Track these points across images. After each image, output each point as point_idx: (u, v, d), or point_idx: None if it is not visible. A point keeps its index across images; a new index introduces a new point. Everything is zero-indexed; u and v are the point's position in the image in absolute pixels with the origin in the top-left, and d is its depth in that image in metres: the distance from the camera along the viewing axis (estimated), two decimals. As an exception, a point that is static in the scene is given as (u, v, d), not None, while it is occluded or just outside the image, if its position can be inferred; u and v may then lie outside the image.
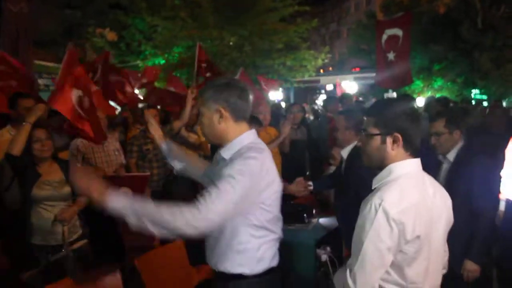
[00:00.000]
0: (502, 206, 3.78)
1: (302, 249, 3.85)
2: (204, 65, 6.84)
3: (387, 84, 9.08)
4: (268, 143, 5.26)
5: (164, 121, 7.07)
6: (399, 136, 1.89)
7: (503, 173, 3.74)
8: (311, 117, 11.36)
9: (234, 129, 2.24)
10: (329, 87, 27.64)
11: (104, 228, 4.06)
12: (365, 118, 2.04)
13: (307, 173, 6.24)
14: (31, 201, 3.50)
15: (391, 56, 8.19)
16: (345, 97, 9.14)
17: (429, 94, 20.49)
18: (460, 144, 3.41)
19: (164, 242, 3.88)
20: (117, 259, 4.46)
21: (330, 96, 9.70)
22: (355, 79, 23.35)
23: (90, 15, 18.97)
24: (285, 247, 3.91)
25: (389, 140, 1.90)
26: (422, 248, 1.84)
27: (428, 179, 1.99)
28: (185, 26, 15.91)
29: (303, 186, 4.15)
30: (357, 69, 26.33)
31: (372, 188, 1.94)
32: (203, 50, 7.41)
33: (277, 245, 2.37)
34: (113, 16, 18.47)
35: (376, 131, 1.94)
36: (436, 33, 19.18)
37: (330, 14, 49.09)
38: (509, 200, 3.77)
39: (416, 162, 1.95)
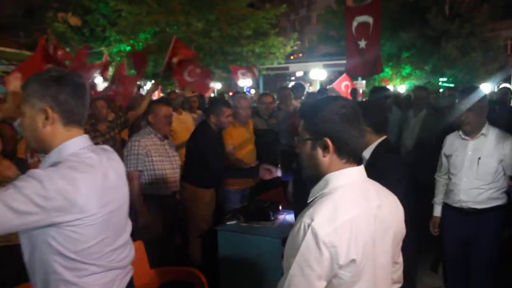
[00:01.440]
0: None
1: (267, 248, 3.70)
2: (175, 60, 6.34)
3: (357, 72, 8.97)
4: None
5: (125, 110, 6.80)
6: (328, 141, 1.65)
7: None
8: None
9: (62, 135, 1.81)
10: (299, 74, 27.57)
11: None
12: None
13: (278, 165, 6.03)
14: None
15: (362, 44, 8.05)
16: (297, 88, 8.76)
17: (397, 81, 20.66)
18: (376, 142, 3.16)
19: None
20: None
21: (297, 83, 9.43)
22: (324, 66, 23.26)
23: (52, -2, 18.33)
24: (252, 246, 3.85)
25: (319, 146, 1.67)
26: (361, 271, 1.60)
27: (374, 189, 1.74)
28: (150, 11, 15.50)
29: (267, 170, 4.26)
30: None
31: (308, 201, 1.69)
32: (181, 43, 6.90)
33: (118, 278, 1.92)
34: (76, 0, 17.84)
35: (306, 135, 1.71)
36: (404, 20, 19.26)
37: (300, -1, 48.87)
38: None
39: (357, 171, 1.70)
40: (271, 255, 3.67)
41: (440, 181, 4.01)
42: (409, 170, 3.21)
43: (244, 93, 15.46)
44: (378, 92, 6.36)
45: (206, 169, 4.42)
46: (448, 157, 3.89)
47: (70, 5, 18.30)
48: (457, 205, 3.79)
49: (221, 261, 3.93)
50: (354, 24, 8.50)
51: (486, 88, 14.25)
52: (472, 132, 3.68)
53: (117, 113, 6.26)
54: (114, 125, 5.51)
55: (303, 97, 8.21)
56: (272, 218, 4.06)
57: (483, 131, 3.67)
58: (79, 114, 1.84)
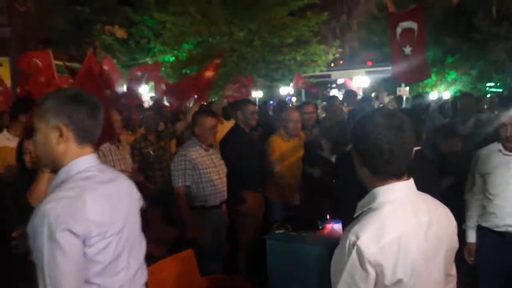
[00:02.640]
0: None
1: (315, 256, 3.72)
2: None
3: (404, 78, 8.86)
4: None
5: (173, 121, 6.97)
6: (355, 156, 1.67)
7: None
8: (323, 114, 11.09)
9: (74, 153, 1.81)
10: (340, 81, 27.33)
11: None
12: None
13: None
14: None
15: (407, 50, 7.98)
16: (349, 95, 8.64)
17: (442, 87, 20.18)
18: None
19: (172, 251, 3.76)
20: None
21: (349, 90, 9.32)
22: (367, 73, 22.98)
23: (99, 11, 18.95)
24: (299, 255, 3.86)
25: (358, 161, 1.68)
26: None
27: (424, 203, 1.68)
28: (194, 22, 15.81)
29: None
30: (369, 63, 25.99)
31: (354, 216, 1.66)
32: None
33: None
34: (121, 13, 18.43)
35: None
36: (449, 25, 18.82)
37: (340, 5, 48.57)
38: None
39: (406, 186, 1.64)
40: (318, 264, 3.67)
41: (473, 202, 3.55)
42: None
43: (286, 101, 15.48)
44: (415, 99, 6.26)
45: (242, 171, 4.51)
46: (485, 175, 3.42)
47: (116, 18, 18.91)
48: (502, 229, 3.33)
49: (269, 269, 3.96)
50: (398, 30, 8.43)
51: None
52: None
53: (166, 123, 6.43)
54: (164, 135, 5.66)
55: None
56: (320, 227, 4.07)
57: None
58: (93, 133, 1.85)
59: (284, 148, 5.03)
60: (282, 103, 9.42)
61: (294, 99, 24.30)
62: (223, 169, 4.46)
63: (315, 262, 3.71)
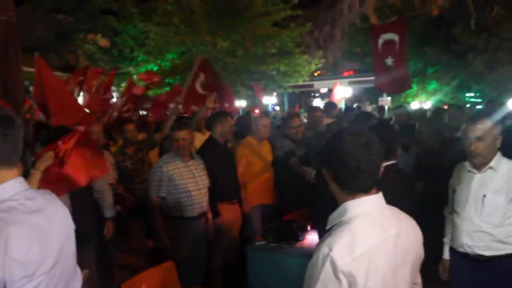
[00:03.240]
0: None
1: (296, 268, 3.71)
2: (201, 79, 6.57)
3: (387, 89, 8.99)
4: None
5: (155, 130, 6.95)
6: (325, 172, 1.76)
7: None
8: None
9: None
10: (323, 90, 27.56)
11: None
12: None
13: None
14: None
15: (389, 61, 8.11)
16: (329, 106, 8.61)
17: (423, 97, 20.47)
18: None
19: (154, 261, 3.75)
20: (107, 278, 4.32)
21: (329, 101, 9.42)
22: (349, 83, 23.25)
23: (82, 20, 18.86)
24: (281, 266, 3.87)
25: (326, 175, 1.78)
26: None
27: (393, 216, 1.76)
28: (177, 32, 15.81)
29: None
30: (351, 72, 26.27)
31: (326, 228, 1.72)
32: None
33: None
34: (105, 22, 18.36)
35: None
36: (430, 36, 19.14)
37: (324, 16, 49.07)
38: None
39: (375, 200, 1.72)
40: (300, 275, 3.66)
41: (449, 218, 3.40)
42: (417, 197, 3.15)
43: (267, 111, 15.56)
44: (396, 110, 6.33)
45: (217, 183, 4.58)
46: (453, 191, 3.29)
47: (99, 27, 18.82)
48: (461, 249, 3.16)
49: (250, 281, 3.96)
50: (380, 41, 8.56)
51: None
52: (482, 164, 3.07)
53: (148, 133, 6.42)
54: (143, 146, 5.63)
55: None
56: (301, 238, 4.09)
57: (492, 163, 3.04)
58: (7, 154, 1.60)
59: (254, 150, 5.23)
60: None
61: (277, 108, 24.36)
62: (203, 181, 4.46)
63: (295, 273, 3.71)
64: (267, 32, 16.28)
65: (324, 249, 1.58)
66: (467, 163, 3.16)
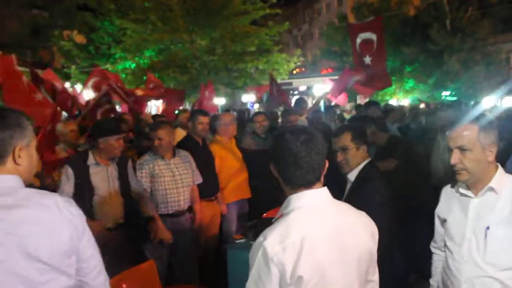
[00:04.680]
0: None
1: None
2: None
3: (366, 87, 9.06)
4: None
5: (135, 129, 6.89)
6: (272, 167, 1.86)
7: None
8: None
9: None
10: (302, 88, 27.61)
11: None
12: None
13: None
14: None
15: (367, 60, 8.18)
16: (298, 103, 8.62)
17: (401, 95, 20.74)
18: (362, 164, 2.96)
19: (136, 261, 3.70)
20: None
21: (299, 98, 9.43)
22: (328, 81, 23.30)
23: (58, 16, 18.51)
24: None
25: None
26: None
27: (337, 210, 1.81)
28: (155, 30, 15.67)
29: None
30: (330, 70, 26.39)
31: (272, 221, 1.80)
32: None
33: None
34: (81, 18, 18.09)
35: None
36: (406, 36, 19.42)
37: (302, 15, 49.19)
38: None
39: (317, 194, 1.78)
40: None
41: (437, 254, 2.58)
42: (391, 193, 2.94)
43: (248, 109, 15.53)
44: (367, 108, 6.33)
45: None
46: (443, 222, 2.43)
47: (75, 23, 18.53)
48: None
49: (230, 279, 3.95)
50: (358, 40, 8.61)
51: (490, 101, 14.22)
52: (474, 183, 2.25)
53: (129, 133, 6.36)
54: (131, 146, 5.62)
55: (306, 114, 8.19)
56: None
57: (493, 183, 2.20)
58: None
59: (225, 148, 5.23)
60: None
61: (256, 105, 24.42)
62: (183, 179, 4.43)
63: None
64: (246, 31, 16.29)
65: (260, 238, 1.68)
66: (459, 184, 2.33)
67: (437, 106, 10.35)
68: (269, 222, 4.13)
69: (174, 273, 4.19)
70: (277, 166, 1.81)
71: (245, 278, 3.87)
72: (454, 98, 19.06)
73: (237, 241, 4.04)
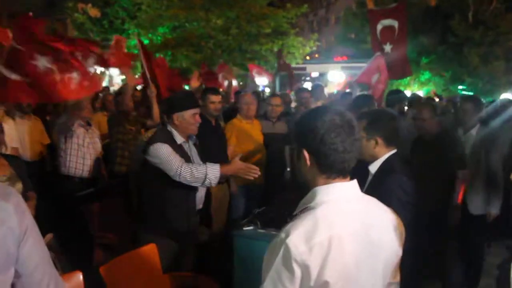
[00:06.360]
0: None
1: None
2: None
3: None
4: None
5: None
6: (305, 153, 1.60)
7: None
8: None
9: None
10: (314, 74, 27.31)
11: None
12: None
13: (288, 169, 5.87)
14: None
15: (387, 48, 7.94)
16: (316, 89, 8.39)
17: (416, 87, 20.39)
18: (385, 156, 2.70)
19: (135, 241, 3.56)
20: (86, 258, 4.13)
21: (316, 84, 9.24)
22: (342, 68, 23.00)
23: (73, -12, 18.38)
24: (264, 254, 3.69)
25: (302, 157, 1.62)
26: None
27: (366, 207, 1.63)
28: (170, 5, 15.45)
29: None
30: (344, 58, 26.06)
31: (293, 214, 1.61)
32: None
33: None
34: (97, -9, 17.91)
35: (295, 144, 1.68)
36: (426, 26, 19.01)
37: (319, 0, 48.58)
38: None
39: (347, 187, 1.60)
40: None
41: None
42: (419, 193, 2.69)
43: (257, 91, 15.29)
44: (393, 95, 6.13)
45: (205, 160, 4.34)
46: None
47: (90, -4, 18.38)
48: None
49: (236, 268, 3.79)
50: (379, 27, 8.37)
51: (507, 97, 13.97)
52: None
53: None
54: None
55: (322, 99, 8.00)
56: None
57: None
58: None
59: (243, 129, 5.11)
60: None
61: (267, 89, 24.18)
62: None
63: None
64: (263, 11, 16.00)
65: (282, 235, 1.48)
66: None
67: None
68: (278, 210, 3.99)
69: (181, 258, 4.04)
70: (313, 151, 1.57)
71: (252, 267, 3.71)
72: (470, 93, 18.73)
73: (245, 228, 3.87)
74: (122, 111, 5.40)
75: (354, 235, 1.52)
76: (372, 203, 1.68)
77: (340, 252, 1.47)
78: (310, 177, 1.62)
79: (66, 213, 4.44)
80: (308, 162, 1.59)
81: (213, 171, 3.28)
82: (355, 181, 1.62)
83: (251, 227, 3.88)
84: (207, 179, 3.27)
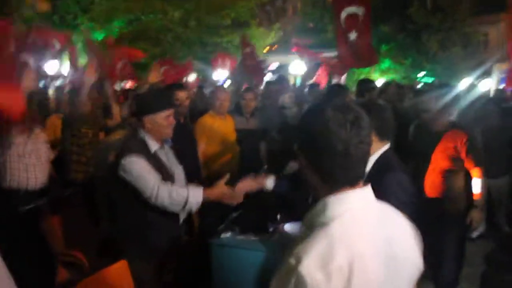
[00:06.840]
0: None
1: (265, 264, 3.29)
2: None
3: (351, 64, 8.70)
4: None
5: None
6: (303, 159, 1.40)
7: None
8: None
9: None
10: (274, 66, 27.14)
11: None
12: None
13: (265, 167, 5.60)
14: None
15: (352, 36, 7.80)
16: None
17: (376, 75, 20.50)
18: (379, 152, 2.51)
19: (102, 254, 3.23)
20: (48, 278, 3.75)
21: (280, 76, 8.99)
22: (304, 59, 22.89)
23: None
24: (249, 262, 3.43)
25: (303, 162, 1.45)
26: None
27: (383, 216, 1.40)
28: (126, -3, 14.94)
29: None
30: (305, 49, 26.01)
31: (300, 230, 1.42)
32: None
33: None
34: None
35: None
36: (385, 14, 19.13)
37: (276, -10, 48.46)
38: None
39: (360, 195, 1.35)
40: (262, 272, 3.26)
41: None
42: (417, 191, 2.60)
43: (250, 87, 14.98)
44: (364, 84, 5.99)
45: None
46: None
47: (39, -11, 17.50)
48: None
49: (215, 280, 3.52)
50: (343, 15, 8.23)
51: (466, 83, 14.28)
52: None
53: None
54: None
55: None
56: (271, 229, 3.64)
57: None
58: None
59: (214, 126, 4.90)
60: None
61: (228, 82, 23.83)
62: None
63: (259, 270, 3.29)
64: (221, 2, 15.67)
65: (291, 261, 1.22)
66: None
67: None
68: (257, 214, 3.72)
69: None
70: (314, 158, 1.33)
71: (230, 276, 3.46)
72: (431, 79, 18.99)
73: (222, 236, 3.58)
74: (77, 112, 4.98)
75: (376, 252, 1.29)
76: (388, 210, 1.45)
77: (363, 273, 1.23)
78: (314, 186, 1.38)
79: (16, 231, 3.98)
80: (308, 169, 1.37)
81: (195, 196, 2.96)
82: (368, 188, 1.38)
83: (228, 234, 3.60)
84: (188, 205, 2.94)
